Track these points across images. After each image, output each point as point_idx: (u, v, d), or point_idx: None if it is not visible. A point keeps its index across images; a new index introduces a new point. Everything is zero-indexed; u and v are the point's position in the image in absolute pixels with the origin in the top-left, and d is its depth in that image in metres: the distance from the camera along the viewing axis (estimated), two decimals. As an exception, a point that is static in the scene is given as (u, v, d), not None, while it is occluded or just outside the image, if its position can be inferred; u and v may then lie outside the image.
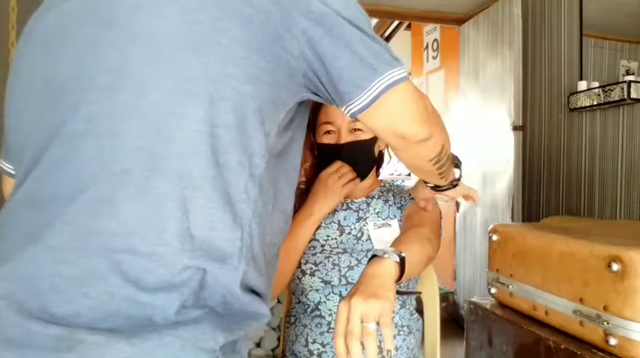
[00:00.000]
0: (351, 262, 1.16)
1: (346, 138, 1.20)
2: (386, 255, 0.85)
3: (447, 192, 1.12)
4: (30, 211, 0.56)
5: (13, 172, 0.72)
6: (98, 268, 0.52)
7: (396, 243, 0.97)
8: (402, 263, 0.86)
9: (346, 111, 0.66)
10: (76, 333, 0.49)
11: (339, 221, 1.24)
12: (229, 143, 0.57)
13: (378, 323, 0.75)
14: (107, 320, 0.51)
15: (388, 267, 0.84)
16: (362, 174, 1.24)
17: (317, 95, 0.67)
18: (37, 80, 0.63)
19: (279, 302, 2.16)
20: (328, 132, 1.22)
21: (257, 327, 0.62)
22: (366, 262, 1.14)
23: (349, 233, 1.22)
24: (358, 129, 1.21)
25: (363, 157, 1.23)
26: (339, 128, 1.20)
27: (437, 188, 1.11)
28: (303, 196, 1.25)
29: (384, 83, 0.63)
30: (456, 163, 1.11)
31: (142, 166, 0.55)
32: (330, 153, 1.22)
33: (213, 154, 0.56)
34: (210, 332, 0.54)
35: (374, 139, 1.23)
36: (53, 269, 0.52)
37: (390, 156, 1.36)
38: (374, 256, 0.87)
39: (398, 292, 0.84)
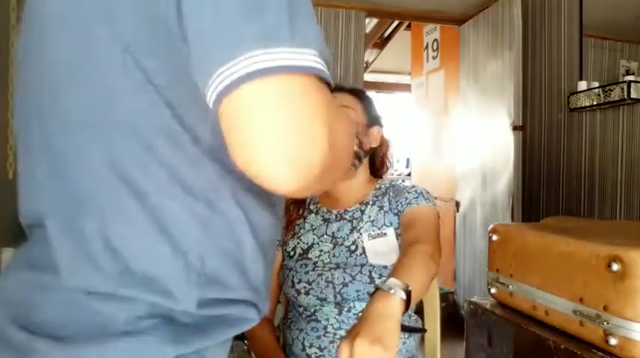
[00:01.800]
0: (345, 278, 1.15)
1: None
2: (392, 291, 0.82)
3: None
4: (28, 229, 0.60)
5: None
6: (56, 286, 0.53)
7: (399, 269, 0.93)
8: (407, 298, 0.83)
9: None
10: (32, 340, 0.50)
11: (332, 233, 1.21)
12: (144, 167, 0.50)
13: None
14: (68, 327, 0.51)
15: (394, 305, 0.81)
16: None
17: None
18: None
19: (279, 302, 2.15)
20: None
21: (239, 332, 0.57)
22: (360, 278, 1.13)
23: (342, 244, 1.20)
24: (344, 106, 1.18)
25: None
26: None
27: None
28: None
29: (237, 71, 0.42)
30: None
31: (59, 206, 0.52)
32: None
33: (128, 184, 0.50)
34: (156, 345, 0.50)
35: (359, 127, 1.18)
36: (29, 280, 0.55)
37: (391, 163, 1.35)
38: (378, 289, 0.84)
39: (402, 328, 0.81)
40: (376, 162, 1.33)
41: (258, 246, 0.57)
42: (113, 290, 0.50)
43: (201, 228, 0.52)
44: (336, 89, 1.26)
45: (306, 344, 1.16)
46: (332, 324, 1.16)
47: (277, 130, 0.42)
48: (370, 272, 1.15)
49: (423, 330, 1.21)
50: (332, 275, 1.15)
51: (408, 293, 0.83)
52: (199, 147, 0.51)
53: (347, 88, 1.30)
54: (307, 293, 1.15)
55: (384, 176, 1.33)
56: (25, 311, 0.53)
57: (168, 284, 0.51)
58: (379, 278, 1.13)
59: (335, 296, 1.14)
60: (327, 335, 1.15)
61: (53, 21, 0.52)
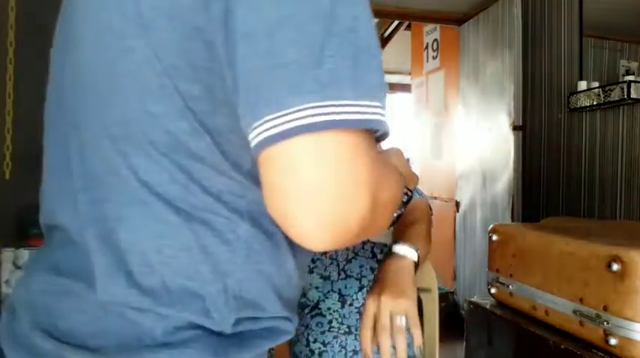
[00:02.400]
0: (348, 255, 1.17)
1: None
2: (405, 253, 0.92)
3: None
4: (49, 231, 0.59)
5: None
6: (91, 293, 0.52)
7: (405, 236, 1.00)
8: (417, 259, 0.93)
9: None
10: (63, 350, 0.49)
11: None
12: (184, 188, 0.48)
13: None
14: (99, 336, 0.49)
15: (409, 264, 0.91)
16: None
17: None
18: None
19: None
20: None
21: (276, 344, 0.56)
22: (363, 253, 1.16)
23: None
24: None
25: None
26: None
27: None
28: None
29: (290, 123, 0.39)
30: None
31: (100, 220, 0.50)
32: None
33: (167, 205, 0.48)
34: (197, 357, 0.49)
35: None
36: (55, 288, 0.53)
37: None
38: (391, 251, 0.94)
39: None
40: None
41: (297, 268, 0.56)
42: (149, 307, 0.48)
43: (244, 251, 0.50)
44: None
45: (311, 339, 1.17)
46: (336, 318, 1.17)
47: (318, 192, 0.40)
48: (372, 248, 1.19)
49: (428, 289, 1.26)
50: (335, 252, 1.18)
51: (418, 255, 0.93)
52: (240, 172, 0.49)
53: None
54: (311, 272, 1.17)
55: None
56: (51, 318, 0.51)
57: (206, 304, 0.49)
58: (381, 253, 1.17)
59: (339, 274, 1.16)
60: (331, 330, 1.17)
61: (96, 33, 0.50)
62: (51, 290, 0.52)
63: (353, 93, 0.39)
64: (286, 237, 0.52)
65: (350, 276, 1.15)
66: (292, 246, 0.53)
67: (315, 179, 0.40)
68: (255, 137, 0.40)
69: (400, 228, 1.06)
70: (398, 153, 0.75)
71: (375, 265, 1.16)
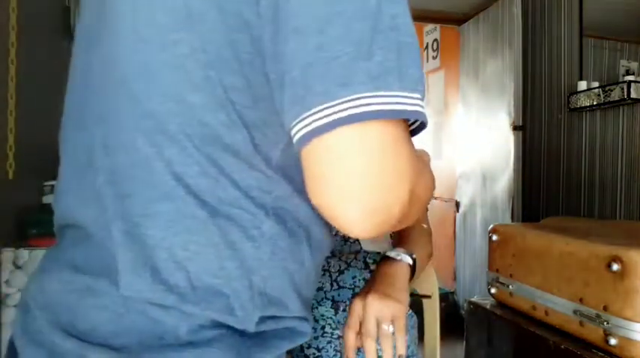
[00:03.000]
0: (340, 266, 1.15)
1: None
2: (399, 257, 0.86)
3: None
4: (63, 231, 0.58)
5: None
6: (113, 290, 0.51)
7: (402, 241, 0.97)
8: (413, 264, 0.87)
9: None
10: (85, 349, 0.49)
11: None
12: (214, 186, 0.49)
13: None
14: (121, 335, 0.49)
15: (402, 268, 0.85)
16: None
17: None
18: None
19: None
20: None
21: (294, 346, 0.56)
22: (355, 264, 1.14)
23: (336, 234, 1.21)
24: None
25: None
26: None
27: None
28: None
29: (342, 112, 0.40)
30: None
31: (125, 215, 0.50)
32: None
33: (196, 199, 0.48)
34: (222, 357, 0.49)
35: None
36: (73, 286, 0.52)
37: None
38: (386, 257, 0.88)
39: (410, 294, 0.86)
40: None
41: (314, 266, 0.57)
42: (173, 304, 0.48)
43: (269, 247, 0.51)
44: None
45: (304, 345, 1.16)
46: (329, 324, 1.16)
47: (363, 182, 0.41)
48: (365, 258, 1.17)
49: (426, 296, 1.23)
50: (328, 263, 1.17)
51: (414, 260, 0.87)
52: (270, 167, 0.50)
53: None
54: None
55: None
56: (70, 317, 0.50)
57: (231, 302, 0.49)
58: (373, 263, 1.15)
59: (331, 285, 1.15)
60: (324, 335, 1.16)
61: (134, 28, 0.50)
62: (69, 289, 0.52)
63: (399, 84, 0.41)
64: (306, 236, 0.54)
65: (343, 287, 1.15)
66: (310, 244, 0.54)
67: (360, 168, 0.41)
68: (301, 129, 0.41)
69: (398, 233, 1.04)
70: (426, 154, 0.75)
71: (368, 275, 1.15)
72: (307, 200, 0.49)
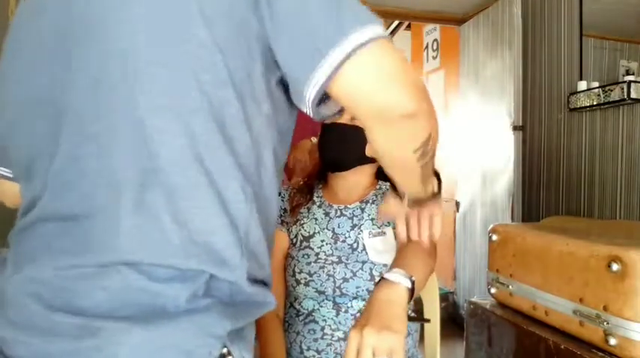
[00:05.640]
0: (345, 274, 1.15)
1: (343, 120, 1.18)
2: (397, 280, 0.83)
3: (422, 211, 0.88)
4: (49, 225, 0.60)
5: (10, 175, 0.73)
6: (112, 270, 0.56)
7: (400, 261, 0.93)
8: (412, 287, 0.84)
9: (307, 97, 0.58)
10: (95, 322, 0.53)
11: (333, 228, 1.21)
12: (215, 150, 0.58)
13: None
14: (123, 309, 0.54)
15: (400, 294, 0.82)
16: (337, 161, 1.21)
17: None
18: (23, 92, 0.64)
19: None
20: None
21: (263, 313, 0.64)
22: (361, 275, 1.13)
23: (344, 241, 1.20)
24: None
25: (348, 146, 1.19)
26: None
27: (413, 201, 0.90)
28: (299, 193, 1.24)
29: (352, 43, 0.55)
30: (437, 174, 0.91)
31: (133, 182, 0.56)
32: (322, 133, 1.22)
33: (201, 163, 0.57)
34: (219, 320, 0.57)
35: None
36: (72, 273, 0.56)
37: None
38: (383, 279, 0.85)
39: (408, 318, 0.82)
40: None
41: (274, 222, 0.69)
42: (177, 263, 0.56)
43: (249, 206, 0.61)
44: None
45: (304, 347, 1.15)
46: (329, 325, 1.15)
47: (401, 74, 0.58)
48: (371, 269, 1.15)
49: (426, 320, 1.21)
50: (334, 269, 1.16)
51: (412, 283, 0.84)
52: (252, 134, 0.60)
53: None
54: (307, 285, 1.15)
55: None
56: (65, 299, 0.55)
57: (224, 254, 0.58)
58: (379, 276, 1.13)
59: (334, 291, 1.15)
60: (324, 337, 1.15)
61: (150, 26, 0.57)
62: (67, 275, 0.56)
63: (374, 20, 0.57)
64: (274, 194, 0.67)
65: (345, 295, 1.14)
66: (275, 202, 0.68)
67: (396, 63, 0.58)
68: (327, 62, 0.54)
69: (399, 249, 1.01)
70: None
71: (372, 287, 1.13)
72: (277, 162, 0.65)
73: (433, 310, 1.33)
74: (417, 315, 1.26)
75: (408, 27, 4.86)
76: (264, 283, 0.66)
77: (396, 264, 0.92)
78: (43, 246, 0.59)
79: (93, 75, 0.58)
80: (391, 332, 0.74)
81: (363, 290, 1.14)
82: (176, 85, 0.56)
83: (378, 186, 1.27)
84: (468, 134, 3.30)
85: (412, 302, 1.25)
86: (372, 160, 1.23)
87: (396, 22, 5.01)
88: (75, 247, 0.57)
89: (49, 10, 0.63)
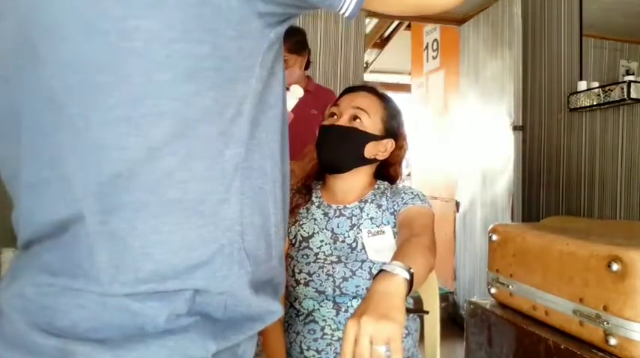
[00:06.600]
0: (345, 273, 1.15)
1: (341, 122, 1.19)
2: (395, 271, 0.83)
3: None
4: (33, 241, 0.58)
5: None
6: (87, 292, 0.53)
7: (400, 254, 0.93)
8: (410, 279, 0.83)
9: None
10: (70, 345, 0.51)
11: (332, 228, 1.22)
12: (186, 156, 0.51)
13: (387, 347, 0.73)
14: (102, 330, 0.51)
15: (398, 284, 0.81)
16: (335, 163, 1.21)
17: (288, 19, 0.56)
18: None
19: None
20: (332, 115, 1.22)
21: (267, 325, 0.59)
22: (360, 274, 1.14)
23: (343, 241, 1.21)
24: (357, 118, 1.20)
25: (345, 146, 1.20)
26: (341, 112, 1.20)
27: None
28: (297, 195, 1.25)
29: None
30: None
31: (94, 207, 0.51)
32: (320, 134, 1.22)
33: (169, 178, 0.51)
34: (200, 341, 0.52)
35: (368, 137, 1.20)
36: (52, 290, 0.54)
37: (402, 178, 1.35)
38: (382, 271, 0.85)
39: (407, 310, 0.81)
40: (390, 171, 1.33)
41: (281, 221, 0.62)
42: (156, 288, 0.51)
43: (239, 205, 0.55)
44: (361, 88, 1.27)
45: (304, 347, 1.15)
46: (329, 325, 1.15)
47: None
48: (370, 268, 1.16)
49: (424, 312, 1.21)
50: (333, 268, 1.16)
51: (411, 275, 0.84)
52: (238, 125, 0.54)
53: (376, 89, 1.30)
54: (306, 285, 1.15)
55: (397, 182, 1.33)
56: (47, 318, 0.52)
57: (210, 266, 0.53)
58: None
59: (334, 290, 1.15)
60: (324, 337, 1.15)
61: (85, 25, 0.49)
62: (46, 292, 0.53)
63: None
64: (272, 191, 0.59)
65: (345, 294, 1.14)
66: (275, 199, 0.60)
67: None
68: None
69: (399, 245, 1.01)
70: None
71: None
72: (270, 158, 0.58)
73: (433, 310, 1.33)
74: (418, 317, 1.26)
75: (408, 27, 4.85)
76: (270, 284, 0.61)
77: (395, 257, 0.92)
78: (28, 261, 0.58)
79: (46, 94, 0.52)
80: (389, 321, 0.73)
81: (362, 290, 1.14)
82: (127, 92, 0.49)
83: (376, 186, 1.28)
84: (468, 134, 3.30)
85: (412, 302, 1.25)
86: (369, 161, 1.23)
87: (396, 22, 5.02)
88: (53, 266, 0.54)
89: (7, 18, 0.56)
